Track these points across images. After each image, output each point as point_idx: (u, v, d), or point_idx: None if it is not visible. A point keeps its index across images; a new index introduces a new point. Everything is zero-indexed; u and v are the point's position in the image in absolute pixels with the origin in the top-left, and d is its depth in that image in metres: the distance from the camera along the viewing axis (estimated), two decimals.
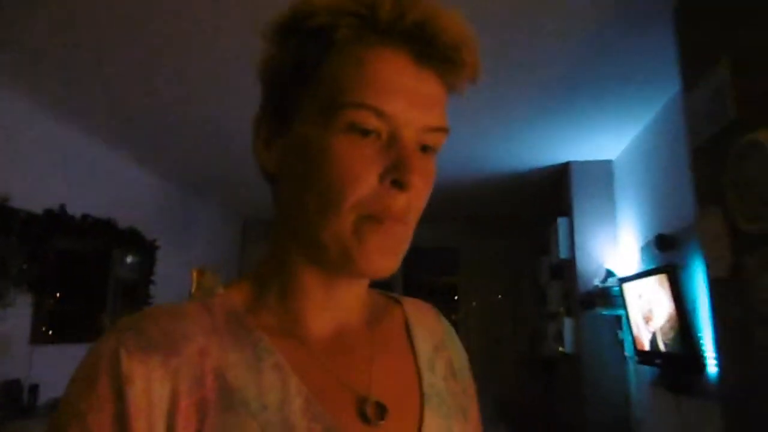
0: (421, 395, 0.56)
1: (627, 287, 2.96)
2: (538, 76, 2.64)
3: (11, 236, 2.84)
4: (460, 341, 0.68)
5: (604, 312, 3.35)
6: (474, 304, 6.06)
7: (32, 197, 3.00)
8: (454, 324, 0.70)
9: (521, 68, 2.56)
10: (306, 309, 0.53)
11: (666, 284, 2.50)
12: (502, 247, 5.95)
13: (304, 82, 0.50)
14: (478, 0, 2.04)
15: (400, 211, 0.48)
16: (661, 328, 2.59)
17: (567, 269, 3.97)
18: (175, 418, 0.44)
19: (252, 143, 0.55)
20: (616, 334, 3.48)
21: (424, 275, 6.29)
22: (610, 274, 3.44)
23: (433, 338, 0.63)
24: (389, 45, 0.47)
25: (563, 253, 3.86)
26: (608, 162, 3.83)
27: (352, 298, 0.57)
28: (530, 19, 2.17)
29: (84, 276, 3.53)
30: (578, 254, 3.71)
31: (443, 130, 0.51)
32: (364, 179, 0.47)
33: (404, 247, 0.51)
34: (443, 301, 6.24)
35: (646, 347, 2.78)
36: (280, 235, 0.55)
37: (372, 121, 0.47)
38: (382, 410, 0.52)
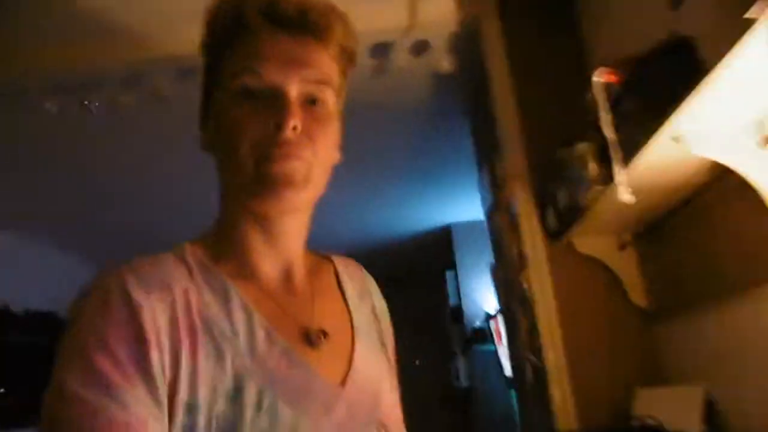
0: (352, 328, 0.69)
1: (493, 323, 3.73)
2: (405, 149, 3.27)
3: None
4: (379, 291, 0.81)
5: (482, 348, 4.09)
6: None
7: None
8: None
9: (389, 146, 3.19)
10: (254, 257, 0.65)
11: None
12: (411, 299, 6.67)
13: (215, 74, 0.65)
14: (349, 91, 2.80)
15: (284, 145, 0.58)
16: None
17: (459, 314, 4.73)
18: (177, 337, 0.54)
19: (200, 139, 0.68)
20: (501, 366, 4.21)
21: None
22: (488, 315, 4.22)
23: (358, 287, 0.76)
24: (261, 27, 0.61)
25: (453, 301, 4.64)
26: (482, 221, 4.69)
27: (291, 245, 0.67)
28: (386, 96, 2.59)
29: (29, 368, 3.79)
30: (464, 301, 4.48)
31: (323, 82, 0.62)
32: (253, 129, 0.58)
33: (304, 180, 0.60)
34: None
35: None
36: (223, 198, 0.67)
37: (255, 82, 0.59)
38: (324, 335, 0.64)
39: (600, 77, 1.06)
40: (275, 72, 0.59)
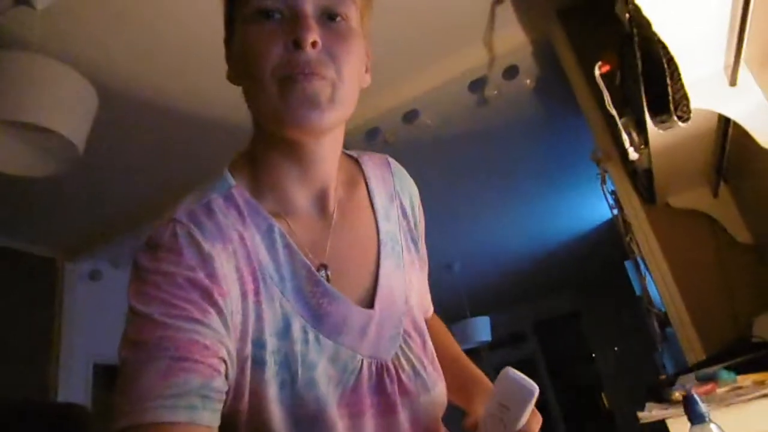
0: (378, 243, 0.70)
1: None
2: (533, 159, 3.66)
3: None
4: (409, 179, 0.81)
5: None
6: None
7: None
8: None
9: (522, 157, 3.62)
10: (290, 190, 0.65)
11: None
12: (598, 299, 6.56)
13: (232, 4, 0.63)
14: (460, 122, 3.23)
15: (305, 65, 0.56)
16: None
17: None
18: (243, 284, 0.58)
19: (226, 73, 0.66)
20: None
21: None
22: None
23: (386, 189, 0.76)
24: None
25: (638, 290, 4.58)
26: None
27: (324, 170, 0.66)
28: None
29: None
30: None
31: None
32: (272, 50, 0.57)
33: (329, 99, 0.58)
34: None
35: None
36: (256, 136, 0.67)
37: (268, 3, 0.58)
38: (325, 268, 0.64)
39: (598, 70, 1.38)
40: None
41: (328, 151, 0.66)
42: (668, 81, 1.02)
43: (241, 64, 0.61)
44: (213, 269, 0.55)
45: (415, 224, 0.78)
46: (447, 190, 3.52)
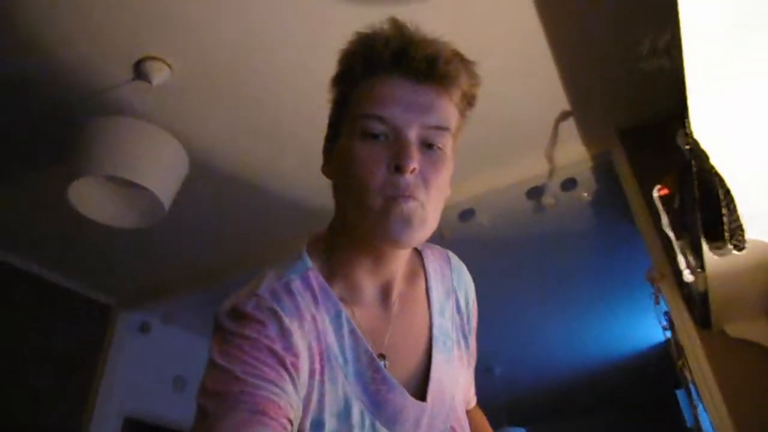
0: (431, 337, 0.74)
1: None
2: (586, 272, 3.64)
3: None
4: (467, 276, 0.85)
5: None
6: None
7: None
8: None
9: (574, 270, 3.60)
10: (361, 280, 0.70)
11: None
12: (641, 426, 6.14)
13: (342, 111, 0.69)
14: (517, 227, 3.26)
15: (405, 188, 0.62)
16: None
17: None
18: (312, 362, 0.62)
19: (322, 167, 0.73)
20: None
21: None
22: None
23: (444, 284, 0.81)
24: (390, 72, 0.65)
25: (690, 421, 4.28)
26: None
27: (394, 268, 0.72)
28: None
29: None
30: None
31: (442, 128, 0.65)
32: (377, 170, 0.62)
33: (420, 220, 0.63)
34: None
35: None
36: (337, 226, 0.72)
37: (377, 126, 0.64)
38: (383, 357, 0.67)
39: (657, 192, 1.44)
40: (398, 116, 0.64)
41: (401, 253, 0.72)
42: (724, 211, 1.07)
43: (344, 171, 0.66)
44: (290, 343, 0.59)
45: (468, 319, 0.82)
46: (496, 292, 3.51)
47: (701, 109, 1.03)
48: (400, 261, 0.72)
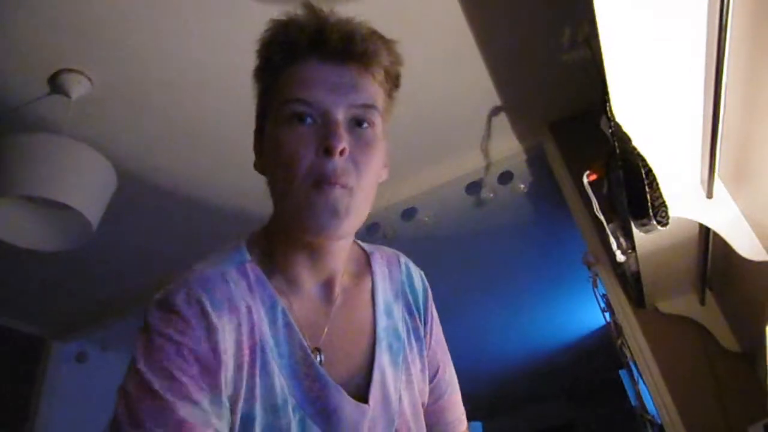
0: (375, 338, 0.72)
1: None
2: (526, 265, 3.74)
3: None
4: (420, 281, 0.84)
5: None
6: None
7: None
8: None
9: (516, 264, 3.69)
10: (299, 274, 0.68)
11: None
12: (594, 408, 6.36)
13: (267, 102, 0.68)
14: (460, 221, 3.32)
15: (333, 174, 0.60)
16: None
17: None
18: (241, 357, 0.60)
19: (254, 163, 0.71)
20: None
21: None
22: None
23: (393, 286, 0.79)
24: (309, 56, 0.64)
25: (634, 401, 4.47)
26: None
27: (333, 263, 0.69)
28: None
29: None
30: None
31: (369, 105, 0.64)
32: (303, 155, 0.61)
33: (347, 209, 0.61)
34: None
35: None
36: (272, 222, 0.70)
37: (303, 109, 0.62)
38: (318, 352, 0.66)
39: (586, 178, 1.49)
40: (322, 98, 0.62)
41: (338, 248, 0.70)
42: (647, 189, 1.12)
43: (272, 161, 0.65)
44: (216, 341, 0.58)
45: (423, 322, 0.81)
46: (442, 288, 3.53)
47: (621, 93, 1.07)
48: (339, 256, 0.70)
